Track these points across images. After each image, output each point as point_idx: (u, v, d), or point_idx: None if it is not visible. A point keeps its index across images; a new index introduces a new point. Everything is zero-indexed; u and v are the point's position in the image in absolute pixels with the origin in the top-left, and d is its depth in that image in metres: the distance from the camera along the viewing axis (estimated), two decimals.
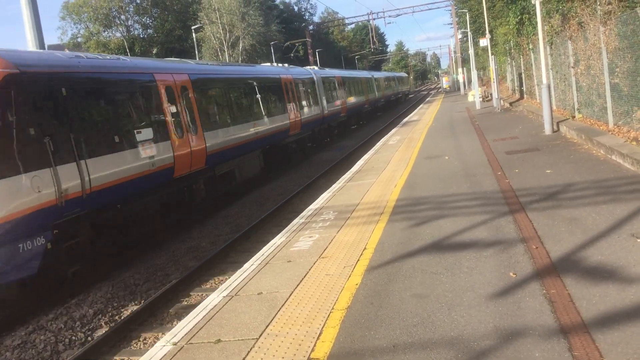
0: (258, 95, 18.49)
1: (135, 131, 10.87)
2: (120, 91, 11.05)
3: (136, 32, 67.16)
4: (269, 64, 26.79)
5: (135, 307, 8.26)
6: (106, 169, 9.69)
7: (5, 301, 8.37)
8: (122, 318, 7.90)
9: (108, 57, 11.91)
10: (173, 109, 12.35)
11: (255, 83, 18.70)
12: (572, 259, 5.56)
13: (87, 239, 9.41)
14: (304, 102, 23.68)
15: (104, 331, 7.51)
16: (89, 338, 7.41)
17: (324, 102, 27.36)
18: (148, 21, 67.99)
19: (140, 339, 7.22)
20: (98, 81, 10.47)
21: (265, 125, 18.15)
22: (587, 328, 4.10)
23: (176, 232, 12.33)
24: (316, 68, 31.49)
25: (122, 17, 65.20)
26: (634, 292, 4.58)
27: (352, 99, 34.84)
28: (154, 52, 60.77)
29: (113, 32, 65.92)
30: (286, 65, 26.67)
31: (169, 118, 12.06)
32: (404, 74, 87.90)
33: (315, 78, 26.82)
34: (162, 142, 11.56)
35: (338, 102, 30.72)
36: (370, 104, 42.21)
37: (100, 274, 9.77)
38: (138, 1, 65.38)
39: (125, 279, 9.37)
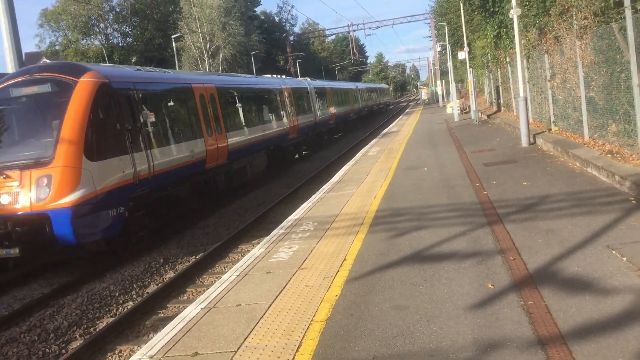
0: (265, 103, 21.51)
1: (180, 128, 13.71)
2: (171, 97, 13.75)
3: (115, 41, 66.52)
4: (269, 75, 29.26)
5: (111, 319, 8.11)
6: (163, 157, 12.19)
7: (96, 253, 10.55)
8: (98, 330, 7.75)
9: (157, 70, 14.78)
10: (205, 112, 15.04)
11: (263, 92, 21.83)
12: (549, 270, 5.61)
13: (149, 212, 11.69)
14: (300, 110, 26.13)
15: (78, 344, 7.35)
16: (63, 351, 7.24)
17: (317, 110, 29.83)
18: (127, 30, 67.42)
19: (116, 352, 7.08)
20: (156, 89, 13.15)
21: (270, 128, 20.85)
22: (564, 339, 4.14)
23: (154, 242, 12.18)
24: (309, 79, 33.62)
25: (101, 25, 64.56)
26: (610, 304, 4.63)
27: (339, 108, 37.53)
28: (133, 60, 60.14)
29: (92, 40, 65.18)
30: (283, 76, 29.50)
31: (202, 119, 14.71)
32: (385, 86, 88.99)
33: (309, 88, 29.41)
34: (198, 139, 14.20)
35: (328, 111, 33.45)
36: (355, 113, 44.71)
37: (152, 243, 11.92)
38: (117, 9, 64.86)
39: (101, 290, 9.21)
